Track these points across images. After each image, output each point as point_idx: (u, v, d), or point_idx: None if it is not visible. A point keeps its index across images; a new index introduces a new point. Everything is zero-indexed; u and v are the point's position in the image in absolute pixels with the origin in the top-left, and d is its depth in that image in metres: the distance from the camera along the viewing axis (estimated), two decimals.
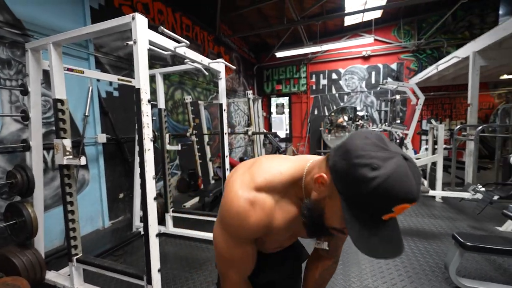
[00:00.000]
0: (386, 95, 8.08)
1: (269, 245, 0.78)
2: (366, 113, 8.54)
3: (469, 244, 1.70)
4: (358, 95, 8.51)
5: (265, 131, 5.81)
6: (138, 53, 1.36)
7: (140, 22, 1.36)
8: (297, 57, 8.75)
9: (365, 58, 8.28)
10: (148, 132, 1.42)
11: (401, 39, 7.88)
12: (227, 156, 2.40)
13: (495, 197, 2.61)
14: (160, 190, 3.61)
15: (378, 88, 8.18)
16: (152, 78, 2.55)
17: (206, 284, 1.99)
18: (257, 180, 0.64)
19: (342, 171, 0.50)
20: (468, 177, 4.29)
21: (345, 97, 8.68)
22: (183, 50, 1.75)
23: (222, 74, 2.32)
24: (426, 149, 5.05)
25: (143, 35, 1.38)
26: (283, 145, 8.18)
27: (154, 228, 1.49)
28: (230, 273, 0.72)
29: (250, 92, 3.70)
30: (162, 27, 1.44)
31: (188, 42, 1.61)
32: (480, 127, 3.68)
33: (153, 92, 3.14)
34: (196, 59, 1.94)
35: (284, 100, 9.91)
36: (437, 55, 7.55)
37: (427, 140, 5.92)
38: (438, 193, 3.11)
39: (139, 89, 1.38)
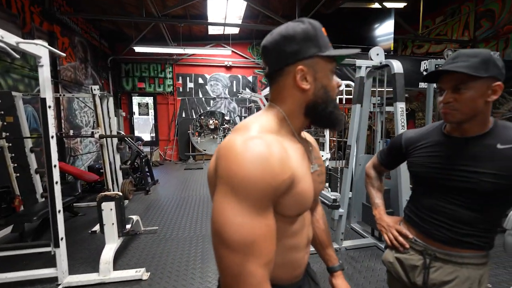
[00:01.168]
0: (245, 102, 9.27)
1: (308, 192, 0.56)
2: (230, 118, 9.43)
3: None
4: (223, 100, 9.24)
5: (122, 133, 5.08)
6: None
7: None
8: (162, 56, 8.31)
9: (228, 68, 9.13)
10: None
11: (255, 56, 9.33)
12: (55, 166, 1.89)
13: None
14: None
15: (238, 96, 9.26)
16: None
17: None
18: (251, 130, 0.54)
19: (297, 43, 0.55)
20: None
21: (211, 101, 9.17)
22: None
23: (44, 60, 1.80)
24: None
25: None
26: (147, 149, 7.49)
27: None
28: (252, 267, 0.45)
29: (96, 87, 3.10)
30: None
31: None
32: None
33: None
34: None
35: (149, 100, 9.11)
36: None
37: None
38: None
39: None
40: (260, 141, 0.49)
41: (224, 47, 8.55)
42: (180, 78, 8.89)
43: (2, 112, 2.88)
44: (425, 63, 4.53)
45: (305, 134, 0.71)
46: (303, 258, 0.65)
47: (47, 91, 1.85)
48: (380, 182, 1.08)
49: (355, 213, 2.91)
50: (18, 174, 3.12)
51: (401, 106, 2.17)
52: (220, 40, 8.66)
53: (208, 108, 9.20)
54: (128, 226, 2.36)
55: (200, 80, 9.02)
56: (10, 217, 2.62)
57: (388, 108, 3.72)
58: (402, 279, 0.90)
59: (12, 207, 3.15)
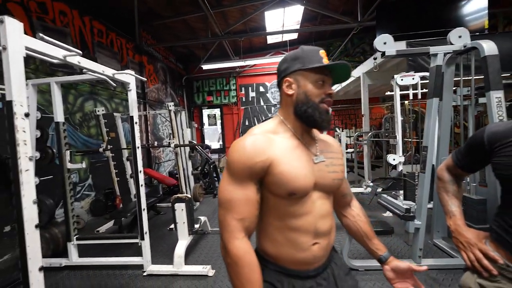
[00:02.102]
0: None
1: (296, 176, 0.69)
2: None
3: None
4: None
5: (194, 142, 5.71)
6: (8, 61, 1.19)
7: (11, 26, 1.21)
8: (226, 70, 9.03)
9: None
10: (25, 151, 1.24)
11: None
12: (140, 171, 2.27)
13: (379, 190, 3.25)
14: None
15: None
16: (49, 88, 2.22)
17: None
18: (253, 131, 0.76)
19: (288, 62, 0.76)
20: (366, 174, 5.20)
21: (272, 108, 9.38)
22: (77, 59, 1.61)
23: (132, 86, 2.21)
24: None
25: (15, 40, 1.22)
26: (215, 156, 8.19)
27: (36, 260, 1.28)
28: (228, 218, 0.68)
29: (171, 103, 3.61)
30: (41, 35, 1.31)
31: (80, 52, 1.49)
32: (370, 133, 4.55)
33: (50, 103, 2.73)
34: (96, 69, 1.81)
35: (216, 111, 10.00)
36: None
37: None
38: None
39: (10, 101, 1.20)
40: (249, 138, 0.72)
41: (283, 53, 8.65)
42: (243, 88, 9.44)
43: (107, 129, 3.66)
44: None
45: (320, 135, 0.85)
46: (309, 244, 0.72)
47: (134, 110, 2.26)
48: (456, 187, 0.88)
49: (438, 227, 2.45)
50: (118, 179, 3.88)
51: (497, 96, 1.74)
52: (279, 48, 8.83)
53: (270, 115, 9.42)
54: (196, 226, 2.61)
55: (261, 89, 9.37)
56: (112, 213, 3.28)
57: (482, 100, 3.04)
58: None
59: (114, 204, 3.93)
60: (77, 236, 2.43)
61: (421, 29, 4.93)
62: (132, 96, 2.25)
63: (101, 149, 3.61)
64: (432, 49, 2.00)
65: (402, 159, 3.30)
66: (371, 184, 3.42)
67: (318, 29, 7.00)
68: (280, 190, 0.70)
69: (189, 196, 2.41)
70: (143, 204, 2.30)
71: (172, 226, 3.43)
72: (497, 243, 0.73)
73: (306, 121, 0.74)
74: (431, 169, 2.06)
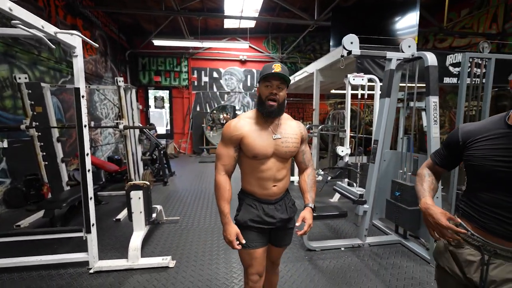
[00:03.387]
0: None
1: (257, 146, 1.14)
2: (243, 112, 9.44)
3: (315, 214, 2.23)
4: (237, 95, 9.24)
5: (140, 125, 5.17)
6: None
7: None
8: (178, 49, 8.36)
9: (242, 62, 9.08)
10: None
11: (270, 51, 9.23)
12: (87, 155, 1.94)
13: (329, 178, 3.58)
14: None
15: (253, 90, 9.22)
16: None
17: None
18: (240, 116, 1.22)
19: (259, 76, 1.16)
20: (314, 164, 5.65)
21: (225, 96, 9.18)
22: (8, 5, 1.23)
23: (78, 51, 1.83)
24: None
25: None
26: (163, 141, 7.62)
27: None
28: (218, 164, 1.19)
29: (121, 79, 3.15)
30: None
31: None
32: (320, 127, 4.93)
33: None
34: (34, 23, 1.42)
35: (164, 94, 9.23)
36: (294, 69, 9.40)
37: None
38: (293, 178, 3.89)
39: None
40: (235, 120, 1.19)
41: (239, 41, 8.49)
42: (195, 72, 8.93)
43: (32, 102, 2.98)
44: (451, 57, 4.35)
45: (288, 121, 1.24)
46: (270, 186, 1.20)
47: (81, 81, 1.89)
48: (432, 179, 0.98)
49: (377, 209, 2.85)
50: (46, 163, 3.23)
51: (434, 100, 2.09)
52: (236, 34, 8.62)
53: (222, 102, 9.22)
54: (153, 215, 2.41)
55: (215, 74, 9.04)
56: (41, 202, 2.73)
57: (414, 104, 3.59)
58: (457, 274, 0.87)
59: (41, 193, 3.29)
60: None
61: (366, 35, 5.52)
62: (79, 63, 1.87)
63: (23, 126, 2.93)
64: (388, 54, 2.25)
65: (349, 151, 3.69)
66: (322, 172, 3.74)
67: (275, 20, 7.09)
68: (248, 153, 1.16)
69: (147, 183, 2.19)
70: (90, 192, 1.98)
71: (120, 216, 3.08)
72: (463, 218, 0.89)
73: (260, 112, 1.17)
74: (379, 160, 2.36)
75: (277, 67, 1.08)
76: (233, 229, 1.16)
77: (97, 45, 1.86)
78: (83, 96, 1.90)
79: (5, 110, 3.41)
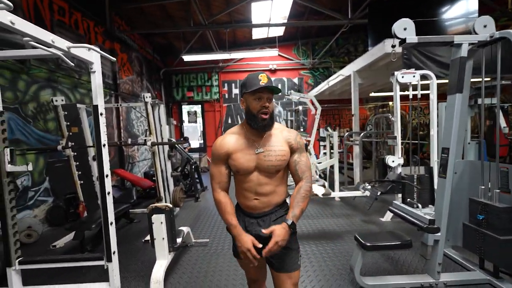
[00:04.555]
0: (291, 106, 8.87)
1: (240, 162, 1.14)
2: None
3: (369, 244, 1.78)
4: None
5: (173, 140, 5.18)
6: None
7: None
8: (208, 64, 8.51)
9: (272, 71, 8.88)
10: None
11: (300, 57, 8.90)
12: (107, 176, 1.80)
13: (378, 193, 3.03)
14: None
15: (284, 99, 8.92)
16: None
17: None
18: (227, 133, 1.23)
19: (241, 88, 1.17)
20: (356, 176, 5.04)
21: None
22: (8, 18, 1.12)
23: (96, 66, 1.73)
24: (325, 153, 5.67)
25: None
26: (196, 155, 7.65)
27: None
28: (212, 183, 1.21)
29: (148, 95, 3.11)
30: None
31: (11, 4, 1.02)
32: (362, 134, 4.38)
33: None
34: (43, 38, 1.32)
35: (197, 108, 9.42)
36: (327, 74, 8.90)
37: (324, 146, 6.76)
38: (336, 194, 3.41)
39: None
40: (221, 137, 1.21)
41: (268, 49, 8.33)
42: (226, 85, 8.98)
43: (68, 123, 3.07)
44: None
45: (273, 130, 1.19)
46: (251, 198, 1.18)
47: (99, 98, 1.77)
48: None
49: (448, 234, 2.25)
50: (82, 182, 3.29)
51: None
52: (264, 44, 8.50)
53: None
54: (179, 240, 2.18)
55: None
56: (73, 223, 2.72)
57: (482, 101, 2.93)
58: None
59: (77, 212, 3.33)
60: (20, 259, 1.88)
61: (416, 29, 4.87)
62: (97, 80, 1.76)
63: (59, 147, 3.01)
64: (457, 38, 1.76)
65: (402, 160, 3.11)
66: (368, 187, 3.20)
67: (306, 23, 6.80)
68: (233, 168, 1.17)
69: (170, 205, 1.98)
70: (111, 217, 1.82)
71: (148, 237, 2.94)
72: None
73: (251, 125, 1.14)
74: (452, 173, 1.83)
75: (263, 78, 1.06)
76: (248, 238, 1.10)
77: (114, 58, 1.75)
78: (101, 114, 1.78)
79: (48, 132, 3.60)
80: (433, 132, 3.18)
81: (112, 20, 5.12)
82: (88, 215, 3.16)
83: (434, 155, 3.17)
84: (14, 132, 3.13)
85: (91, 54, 1.71)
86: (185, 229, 2.54)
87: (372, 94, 7.71)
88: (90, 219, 2.72)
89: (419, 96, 3.05)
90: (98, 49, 1.69)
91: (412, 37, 1.76)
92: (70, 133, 3.08)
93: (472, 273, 1.96)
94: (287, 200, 1.24)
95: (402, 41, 1.79)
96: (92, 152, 3.53)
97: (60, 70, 3.80)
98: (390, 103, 7.25)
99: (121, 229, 3.40)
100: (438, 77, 3.26)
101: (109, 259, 1.84)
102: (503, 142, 4.96)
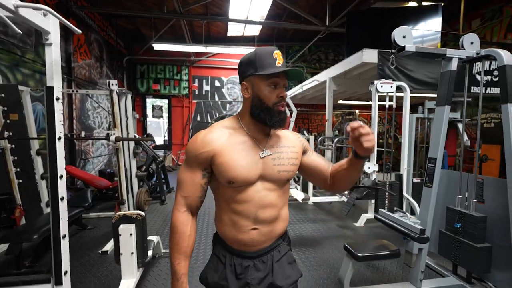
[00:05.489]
0: None
1: (237, 168, 0.78)
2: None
3: (360, 255, 1.72)
4: (239, 104, 8.81)
5: (136, 136, 4.66)
6: None
7: None
8: (178, 57, 7.98)
9: None
10: None
11: None
12: (61, 177, 1.42)
13: (354, 199, 3.08)
14: None
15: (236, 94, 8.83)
16: None
17: None
18: (213, 126, 0.85)
19: (243, 67, 0.82)
20: None
21: (228, 105, 8.76)
22: None
23: (54, 38, 1.36)
24: None
25: None
26: (161, 153, 7.09)
27: None
28: (178, 195, 0.83)
29: (114, 81, 2.68)
30: None
31: None
32: (336, 139, 4.47)
33: None
34: None
35: (163, 103, 8.77)
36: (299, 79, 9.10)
37: None
38: (315, 199, 3.38)
39: None
40: (204, 131, 0.83)
41: (242, 48, 8.15)
42: (196, 80, 8.53)
43: (5, 108, 2.48)
44: (477, 65, 3.97)
45: (279, 131, 0.90)
46: (248, 227, 0.81)
47: (55, 78, 1.39)
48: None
49: None
50: (20, 180, 2.69)
51: None
52: (239, 42, 8.29)
53: (224, 112, 8.78)
54: (149, 253, 1.86)
55: (217, 83, 8.64)
56: (7, 234, 2.17)
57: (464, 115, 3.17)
58: None
59: (12, 219, 2.72)
60: None
61: (382, 42, 5.17)
62: (54, 54, 1.38)
63: None
64: (449, 52, 1.82)
65: (377, 167, 3.21)
66: (346, 192, 3.23)
67: (285, 25, 6.78)
68: (221, 178, 0.80)
69: (142, 213, 1.67)
70: (64, 229, 1.45)
71: (107, 248, 2.51)
72: None
73: (260, 121, 0.81)
74: (437, 184, 1.88)
75: (279, 57, 0.79)
76: None
77: (79, 31, 1.39)
78: (57, 99, 1.40)
79: None
80: (404, 141, 3.36)
81: None
82: (28, 222, 2.59)
83: (405, 162, 3.34)
84: None
85: (47, 21, 1.33)
86: (155, 238, 2.22)
87: (341, 102, 8.06)
88: (30, 228, 2.20)
89: (394, 106, 3.20)
90: (57, 14, 1.32)
91: (410, 46, 1.76)
92: (8, 121, 2.49)
93: (448, 279, 2.04)
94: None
95: (401, 49, 1.78)
96: (36, 145, 2.93)
97: None
98: (357, 111, 7.65)
99: (71, 237, 2.87)
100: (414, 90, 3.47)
101: (59, 282, 1.46)
102: (452, 153, 5.56)
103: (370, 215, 3.32)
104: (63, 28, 4.49)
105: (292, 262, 0.91)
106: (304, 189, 4.19)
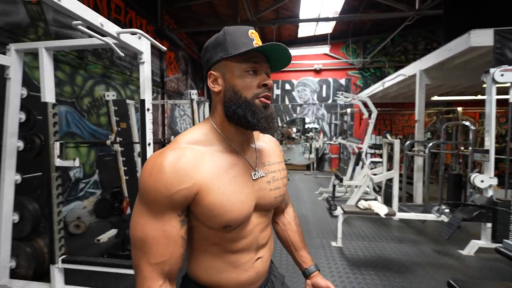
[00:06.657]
0: (336, 108, 8.25)
1: (226, 211, 0.56)
2: (317, 125, 8.60)
3: None
4: (310, 107, 8.52)
5: None
6: None
7: None
8: None
9: (317, 72, 8.38)
10: None
11: (349, 57, 8.22)
12: None
13: (460, 220, 2.43)
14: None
15: (329, 101, 8.33)
16: (35, 56, 1.64)
17: None
18: (178, 142, 0.58)
19: (210, 51, 0.61)
20: (416, 192, 4.33)
21: (298, 108, 8.60)
22: None
23: (146, 57, 1.57)
24: (372, 162, 5.03)
25: None
26: None
27: None
28: (142, 263, 0.53)
29: (194, 91, 2.97)
30: None
31: None
32: (431, 143, 3.70)
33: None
34: (90, 19, 1.17)
35: None
36: (379, 74, 8.08)
37: (372, 154, 6.04)
38: (401, 215, 2.86)
39: None
40: (170, 154, 0.54)
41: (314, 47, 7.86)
42: None
43: (118, 119, 3.08)
44: None
45: (262, 137, 0.73)
46: (252, 262, 0.64)
47: (146, 92, 1.61)
48: None
49: None
50: (127, 177, 3.29)
51: None
52: (310, 43, 8.05)
53: (295, 115, 8.66)
54: None
55: (287, 86, 8.62)
56: (114, 220, 2.68)
57: None
58: None
59: (121, 208, 3.35)
60: (63, 257, 1.82)
61: (499, 18, 3.99)
62: (145, 71, 1.60)
63: (108, 142, 3.04)
64: None
65: (495, 181, 2.46)
66: (447, 211, 2.59)
67: (363, 17, 6.17)
68: (211, 223, 0.57)
69: None
70: None
71: None
72: None
73: (238, 123, 0.59)
74: None
75: (257, 37, 0.59)
76: None
77: (164, 48, 1.57)
78: (148, 109, 1.61)
79: (100, 126, 3.72)
80: None
81: (163, 19, 5.22)
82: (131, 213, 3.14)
83: None
84: (70, 125, 3.26)
85: (141, 43, 1.55)
86: None
87: (435, 98, 6.73)
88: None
89: None
90: (148, 36, 1.51)
91: None
92: (119, 129, 3.08)
93: None
94: None
95: None
96: (138, 148, 3.53)
97: (113, 67, 3.91)
98: (459, 108, 6.23)
99: None
100: None
101: None
102: None
103: (483, 242, 2.57)
104: (158, 50, 5.35)
105: (284, 281, 0.80)
106: (387, 202, 3.63)
